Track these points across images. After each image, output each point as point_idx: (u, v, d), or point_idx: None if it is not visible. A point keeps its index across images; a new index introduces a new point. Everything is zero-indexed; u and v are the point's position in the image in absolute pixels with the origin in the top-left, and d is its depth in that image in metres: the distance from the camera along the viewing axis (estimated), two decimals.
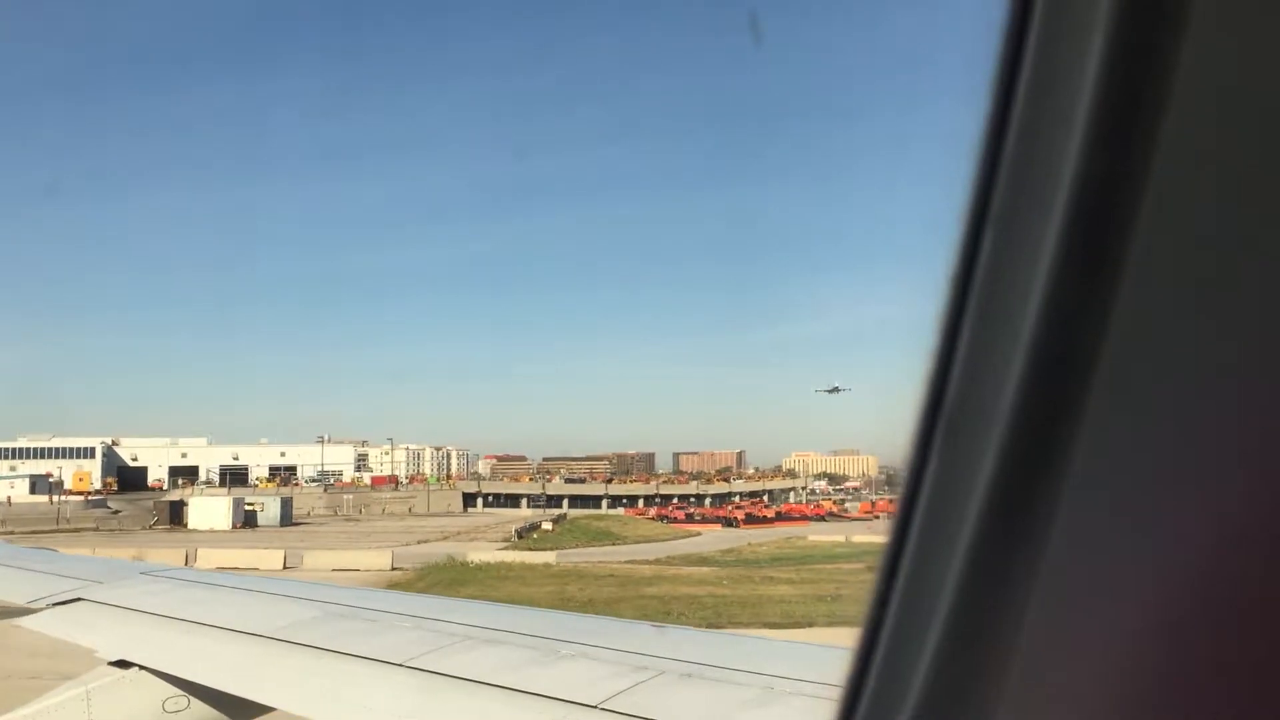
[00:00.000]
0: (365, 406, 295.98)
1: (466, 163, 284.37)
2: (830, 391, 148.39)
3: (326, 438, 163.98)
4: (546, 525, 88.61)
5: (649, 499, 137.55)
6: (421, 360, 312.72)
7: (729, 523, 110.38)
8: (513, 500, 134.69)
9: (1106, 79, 0.96)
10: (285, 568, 52.12)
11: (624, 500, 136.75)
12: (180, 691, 5.78)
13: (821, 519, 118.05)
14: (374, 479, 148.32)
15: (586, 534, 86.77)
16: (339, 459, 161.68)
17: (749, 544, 77.44)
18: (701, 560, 62.60)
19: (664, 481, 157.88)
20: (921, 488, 1.16)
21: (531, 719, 4.51)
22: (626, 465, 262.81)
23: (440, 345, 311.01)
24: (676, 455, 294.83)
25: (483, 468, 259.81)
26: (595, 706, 4.41)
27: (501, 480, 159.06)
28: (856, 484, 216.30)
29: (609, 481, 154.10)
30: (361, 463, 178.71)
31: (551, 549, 67.86)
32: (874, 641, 1.24)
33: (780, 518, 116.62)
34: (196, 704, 5.77)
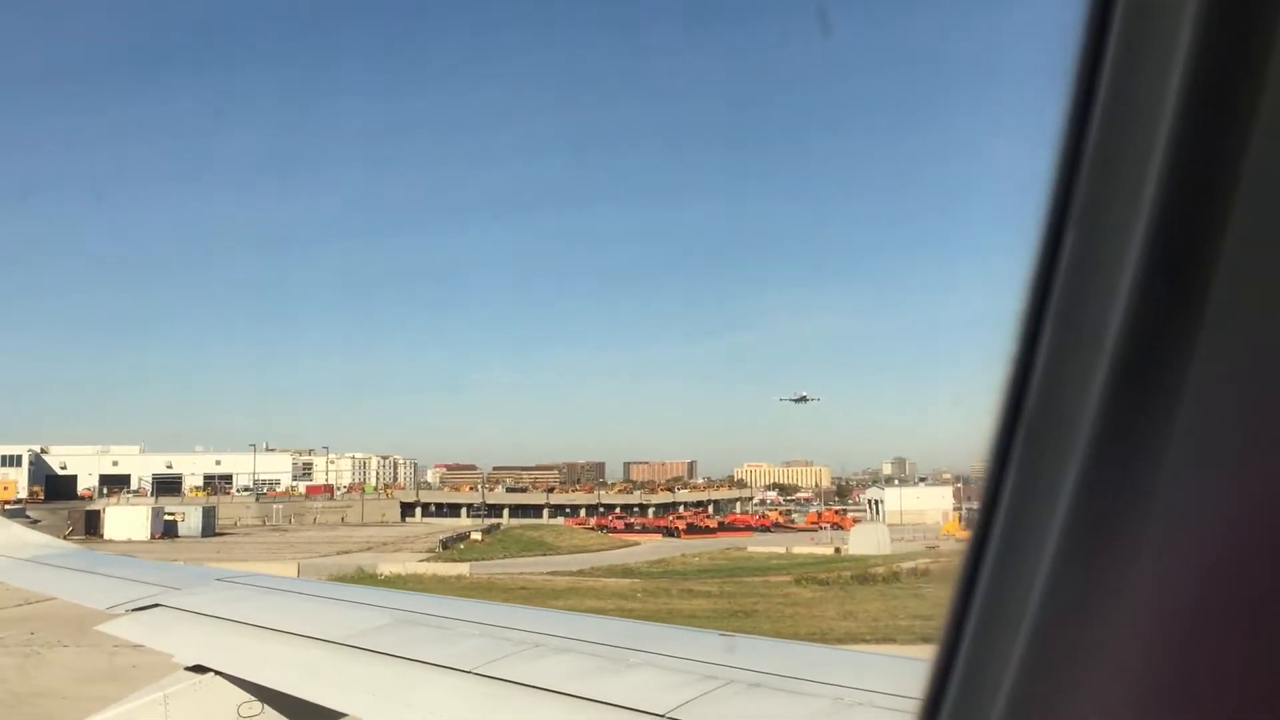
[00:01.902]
0: (312, 415, 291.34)
1: (424, 169, 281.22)
2: (797, 401, 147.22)
3: (264, 445, 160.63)
4: (476, 535, 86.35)
5: (591, 509, 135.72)
6: (371, 369, 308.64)
7: (670, 533, 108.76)
8: (453, 510, 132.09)
9: (1195, 71, 0.91)
10: None
11: (567, 510, 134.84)
12: (253, 697, 5.85)
13: (766, 530, 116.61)
14: (309, 488, 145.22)
15: (518, 544, 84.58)
16: (276, 468, 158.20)
17: (683, 555, 75.63)
18: (626, 571, 60.73)
19: (606, 491, 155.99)
20: (1001, 498, 1.11)
21: None
22: (577, 475, 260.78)
23: (391, 354, 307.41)
24: (627, 465, 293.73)
25: (431, 477, 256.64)
26: (663, 715, 4.42)
27: (441, 489, 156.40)
28: (808, 495, 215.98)
29: (551, 491, 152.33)
30: (305, 472, 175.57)
31: (476, 560, 65.98)
32: (953, 655, 1.20)
33: (723, 528, 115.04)
34: (270, 710, 5.86)
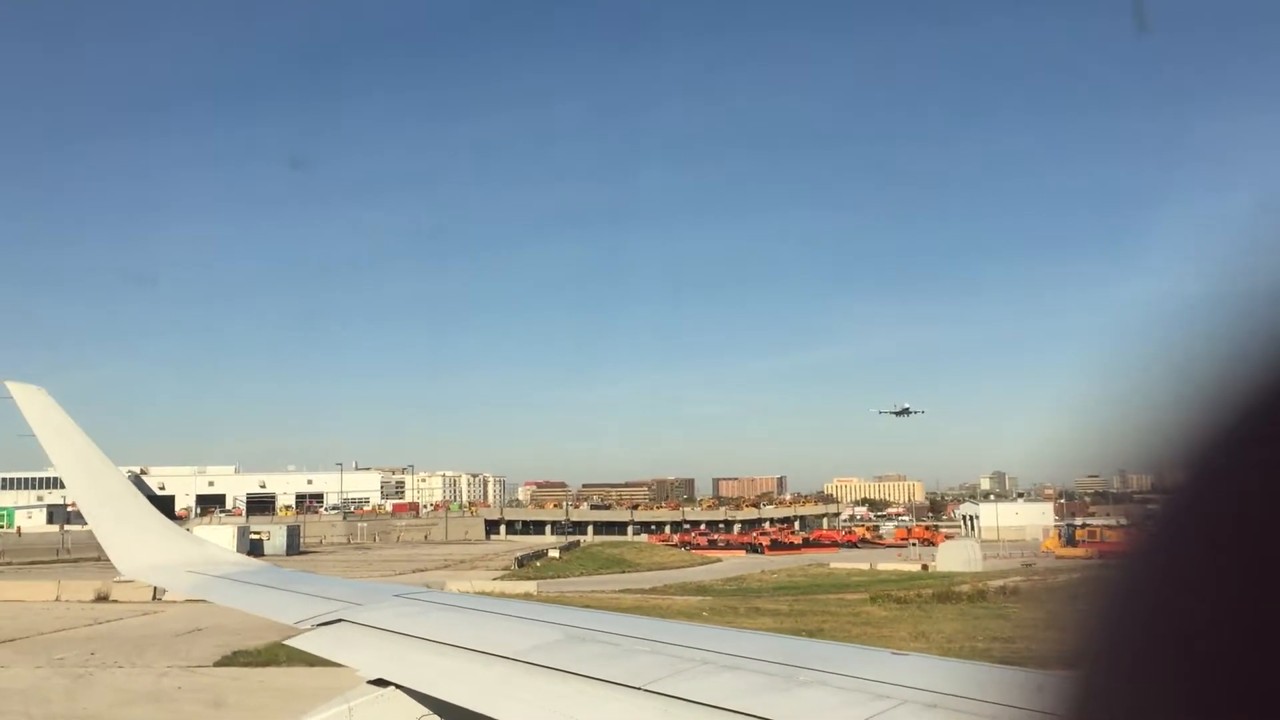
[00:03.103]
0: (406, 434, 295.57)
1: (547, 184, 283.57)
2: (899, 414, 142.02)
3: (354, 464, 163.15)
4: (554, 553, 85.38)
5: (675, 525, 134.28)
6: (464, 387, 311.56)
7: (754, 549, 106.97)
8: (538, 527, 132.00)
9: None
10: None
11: (652, 526, 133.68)
12: (432, 710, 6.04)
13: (853, 546, 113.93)
14: (395, 506, 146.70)
15: (596, 561, 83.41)
16: (366, 486, 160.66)
17: (762, 571, 73.56)
18: (700, 589, 58.92)
19: (692, 507, 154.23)
20: (1179, 515, 0.99)
21: None
22: (665, 492, 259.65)
23: (483, 372, 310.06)
24: (716, 481, 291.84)
25: (522, 494, 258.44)
26: None
27: (527, 507, 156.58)
28: (899, 510, 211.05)
29: (635, 508, 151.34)
30: (398, 490, 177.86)
31: (552, 577, 64.99)
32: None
33: (808, 544, 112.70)
34: None
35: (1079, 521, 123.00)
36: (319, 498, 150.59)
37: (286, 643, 7.65)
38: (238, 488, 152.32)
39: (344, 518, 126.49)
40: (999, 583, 54.38)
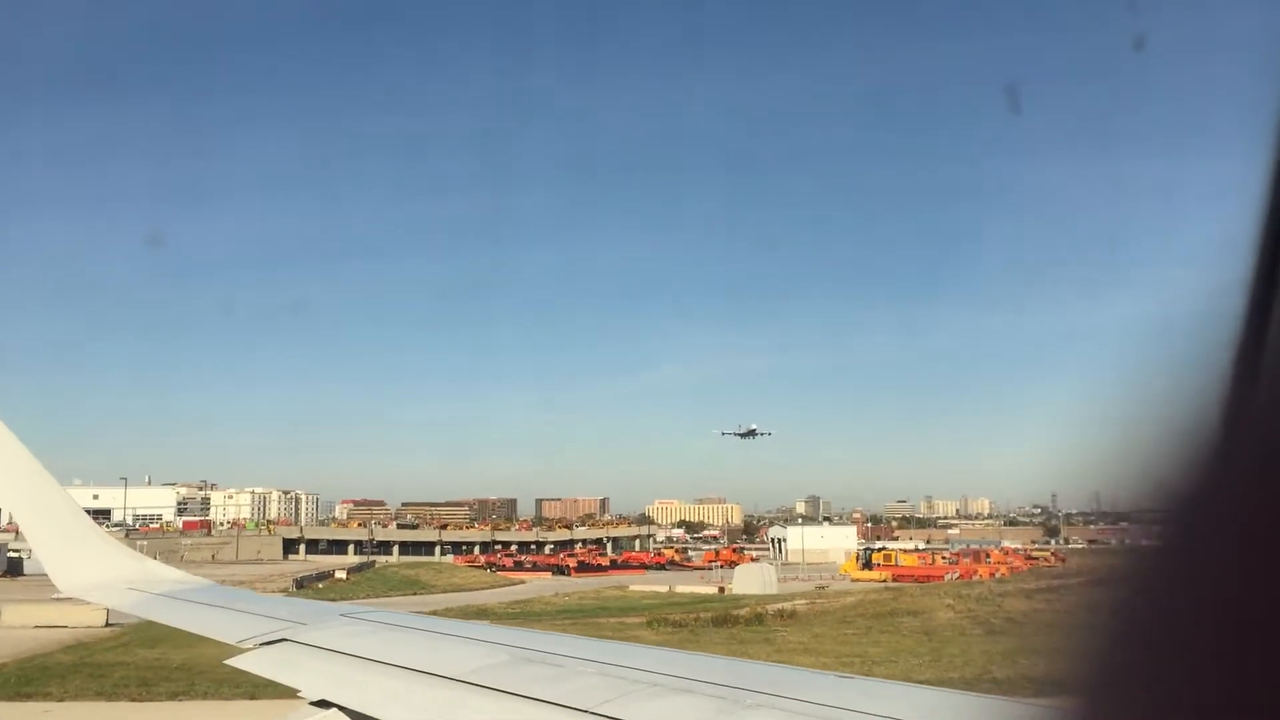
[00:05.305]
0: (211, 448, 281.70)
1: (373, 202, 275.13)
2: (744, 435, 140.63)
3: (147, 479, 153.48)
4: (341, 574, 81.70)
5: (485, 546, 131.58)
6: (278, 401, 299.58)
7: (560, 571, 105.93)
8: (341, 547, 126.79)
9: None
10: None
11: (464, 547, 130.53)
12: None
13: (661, 568, 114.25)
14: (186, 524, 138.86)
15: (388, 583, 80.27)
16: (160, 502, 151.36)
17: (555, 594, 72.40)
18: (480, 612, 57.07)
19: (507, 528, 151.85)
20: (1188, 533, 0.95)
21: None
22: (489, 511, 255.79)
23: (299, 388, 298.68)
24: (539, 501, 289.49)
25: (339, 512, 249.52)
26: None
27: (331, 526, 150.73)
28: (715, 532, 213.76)
29: (444, 527, 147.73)
30: (203, 506, 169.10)
31: (334, 599, 61.68)
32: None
33: (616, 566, 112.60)
34: None
35: (878, 545, 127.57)
36: (105, 514, 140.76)
37: (227, 663, 7.58)
38: None
39: (126, 535, 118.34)
40: (779, 606, 54.77)
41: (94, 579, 10.43)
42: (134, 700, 27.67)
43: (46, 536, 10.53)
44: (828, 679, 6.04)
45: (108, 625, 45.97)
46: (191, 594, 9.95)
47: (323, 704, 6.19)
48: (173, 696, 28.14)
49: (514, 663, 6.34)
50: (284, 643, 7.44)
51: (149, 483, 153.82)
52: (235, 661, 7.45)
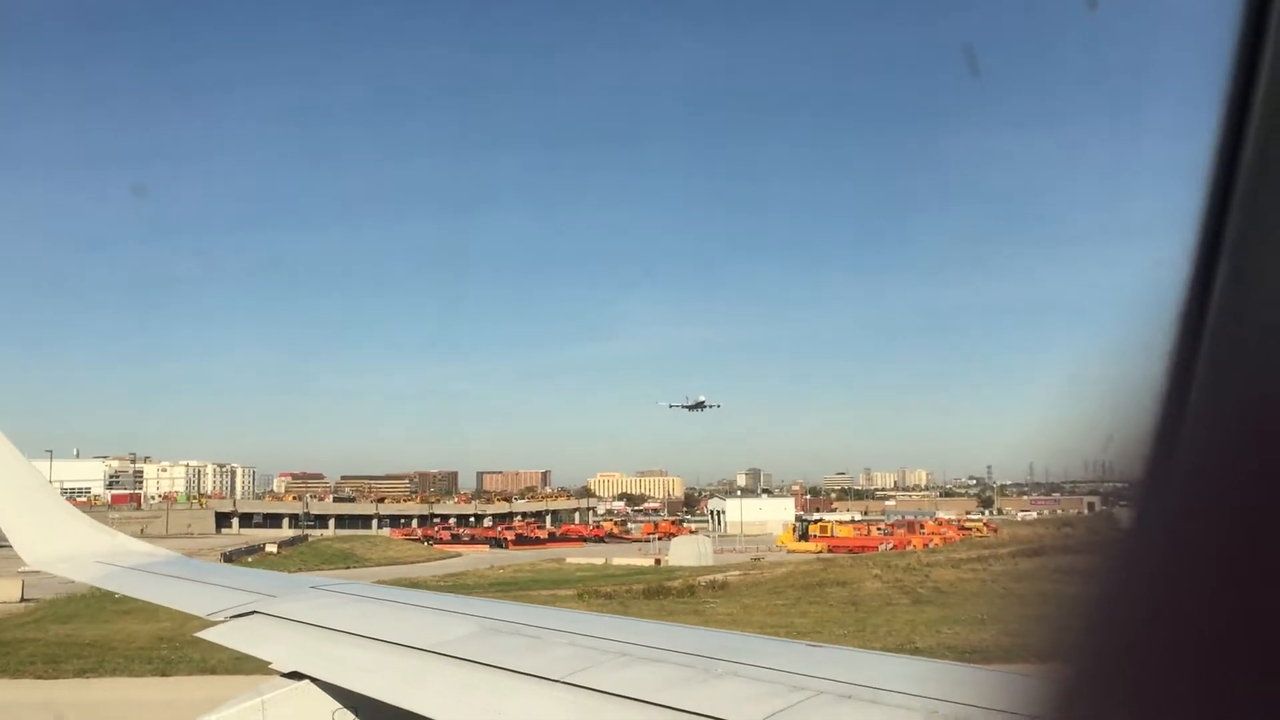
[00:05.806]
0: (141, 420, 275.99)
1: (284, 170, 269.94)
2: (691, 408, 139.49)
3: (75, 452, 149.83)
4: (271, 548, 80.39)
5: (424, 519, 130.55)
6: (211, 369, 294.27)
7: (497, 544, 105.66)
8: (275, 520, 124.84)
9: None
10: None
11: (401, 520, 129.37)
12: (347, 704, 6.05)
13: (600, 540, 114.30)
14: (114, 498, 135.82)
15: (320, 557, 79.12)
16: (87, 476, 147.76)
17: (491, 567, 71.91)
18: (414, 585, 56.52)
19: (445, 501, 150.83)
20: (1148, 518, 0.98)
21: None
22: (429, 484, 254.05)
23: (233, 355, 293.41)
24: (480, 475, 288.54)
25: (277, 485, 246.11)
26: None
27: (266, 499, 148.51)
28: (656, 505, 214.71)
29: (381, 500, 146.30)
30: (136, 480, 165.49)
31: None
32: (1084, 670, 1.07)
33: (554, 539, 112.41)
34: (363, 716, 6.03)
35: (814, 516, 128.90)
36: None
37: (199, 635, 7.51)
38: None
39: None
40: (713, 577, 54.97)
41: (61, 552, 10.39)
42: (39, 678, 26.77)
43: (11, 509, 10.41)
44: (797, 647, 6.13)
45: (23, 601, 44.98)
46: (160, 566, 9.99)
47: (294, 675, 6.25)
48: (80, 674, 27.33)
49: (485, 633, 6.38)
50: (254, 615, 7.48)
51: (77, 455, 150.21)
52: (206, 634, 7.43)
